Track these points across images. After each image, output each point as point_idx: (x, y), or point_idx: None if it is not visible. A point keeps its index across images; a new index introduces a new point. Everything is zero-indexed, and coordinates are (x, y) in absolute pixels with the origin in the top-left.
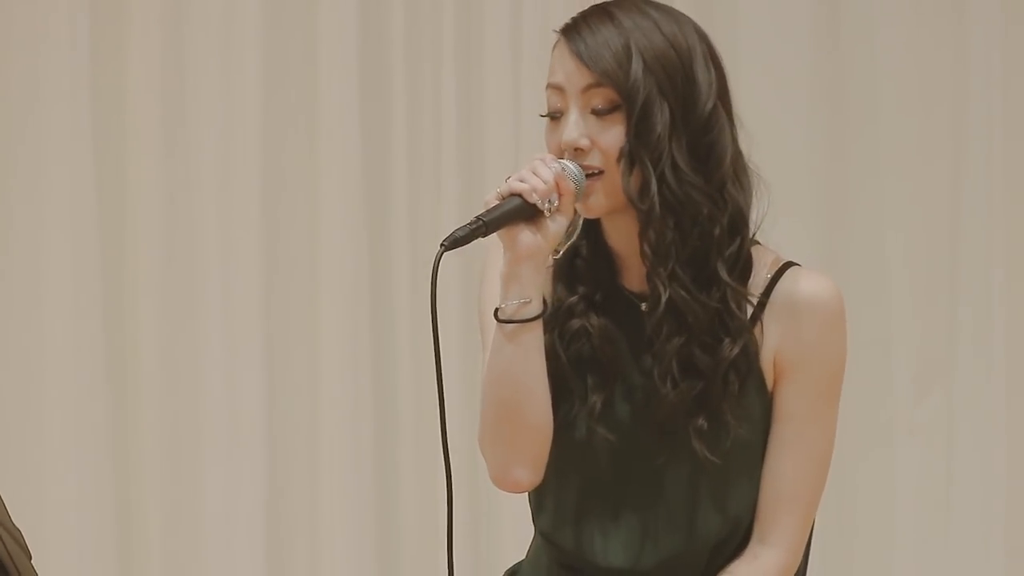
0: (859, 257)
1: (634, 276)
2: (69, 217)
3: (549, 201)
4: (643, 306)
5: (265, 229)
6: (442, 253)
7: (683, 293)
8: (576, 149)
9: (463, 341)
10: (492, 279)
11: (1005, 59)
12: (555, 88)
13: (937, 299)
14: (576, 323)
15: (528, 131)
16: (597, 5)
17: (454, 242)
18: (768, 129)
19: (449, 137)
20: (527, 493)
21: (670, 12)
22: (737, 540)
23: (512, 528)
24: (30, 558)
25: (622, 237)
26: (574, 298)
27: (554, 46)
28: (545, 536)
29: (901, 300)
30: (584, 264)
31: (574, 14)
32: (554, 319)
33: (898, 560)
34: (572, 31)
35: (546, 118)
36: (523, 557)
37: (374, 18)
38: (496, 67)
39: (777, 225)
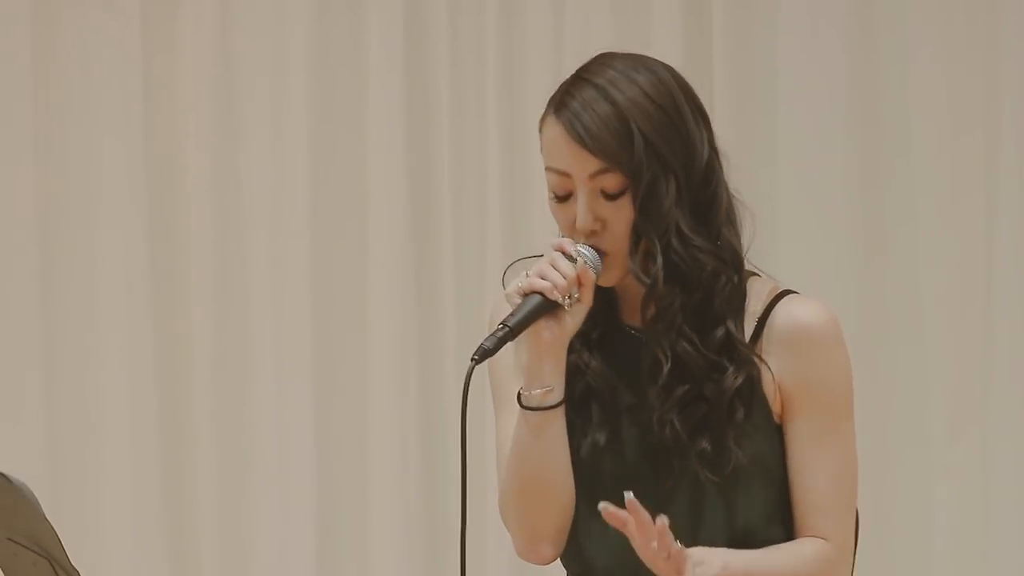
0: (894, 295)
1: (633, 310)
2: (121, 226)
3: (570, 296)
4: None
5: (312, 242)
6: (473, 367)
7: (687, 347)
8: (590, 231)
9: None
10: None
11: None
12: (559, 173)
13: (972, 337)
14: (572, 357)
15: None
16: (580, 77)
17: (483, 354)
18: (803, 166)
19: (493, 147)
20: None
21: (649, 69)
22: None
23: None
24: None
25: None
26: None
27: (542, 120)
28: (562, 563)
29: (935, 339)
30: None
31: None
32: None
33: None
34: (565, 111)
35: (552, 198)
36: None
37: (418, 28)
38: (538, 77)
39: (813, 264)
